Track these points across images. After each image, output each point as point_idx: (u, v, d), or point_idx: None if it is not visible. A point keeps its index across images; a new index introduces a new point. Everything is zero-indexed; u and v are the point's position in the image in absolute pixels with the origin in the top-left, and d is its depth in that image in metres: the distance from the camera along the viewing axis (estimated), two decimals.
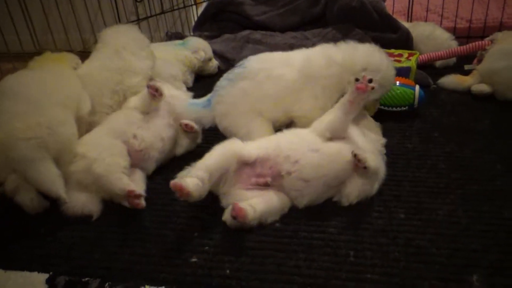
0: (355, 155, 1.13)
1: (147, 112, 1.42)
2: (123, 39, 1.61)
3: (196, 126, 1.42)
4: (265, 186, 1.18)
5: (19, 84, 1.30)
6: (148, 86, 1.38)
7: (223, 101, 1.35)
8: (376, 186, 1.20)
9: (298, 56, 1.39)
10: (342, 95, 1.27)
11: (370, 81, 1.19)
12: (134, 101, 1.46)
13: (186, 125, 1.41)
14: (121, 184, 1.20)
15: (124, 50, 1.58)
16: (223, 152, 1.17)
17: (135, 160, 1.33)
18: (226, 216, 1.12)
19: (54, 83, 1.34)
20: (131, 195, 1.18)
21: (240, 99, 1.34)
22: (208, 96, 1.42)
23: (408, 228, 1.11)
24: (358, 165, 1.13)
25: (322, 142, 1.20)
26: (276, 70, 1.36)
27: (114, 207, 1.24)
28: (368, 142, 1.26)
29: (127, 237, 1.15)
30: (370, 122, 1.38)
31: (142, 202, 1.19)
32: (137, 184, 1.25)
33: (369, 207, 1.19)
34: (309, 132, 1.24)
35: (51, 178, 1.18)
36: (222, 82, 1.39)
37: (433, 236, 1.08)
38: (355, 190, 1.17)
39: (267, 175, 1.17)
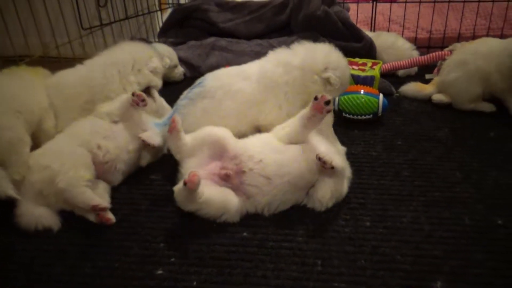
0: (319, 158, 1.14)
1: (118, 120, 1.38)
2: None
3: (154, 143, 1.35)
4: (226, 179, 1.18)
5: None
6: (134, 94, 1.35)
7: (185, 120, 1.33)
8: (346, 185, 1.22)
9: (254, 68, 1.41)
10: (309, 95, 1.30)
11: (328, 102, 1.16)
12: (109, 106, 1.40)
13: (143, 141, 1.36)
14: (84, 198, 1.16)
15: None
16: (211, 130, 1.24)
17: (100, 171, 1.29)
18: (178, 186, 1.12)
19: (14, 91, 1.32)
20: (96, 209, 1.15)
21: (201, 118, 1.34)
22: (169, 114, 1.41)
23: (373, 236, 1.12)
24: (325, 166, 1.14)
25: (284, 145, 1.22)
26: (234, 85, 1.37)
27: (75, 218, 1.20)
28: (330, 144, 1.27)
29: (89, 249, 1.11)
30: (328, 128, 1.37)
31: (111, 217, 1.17)
32: (101, 196, 1.22)
33: (336, 215, 1.19)
34: (271, 137, 1.26)
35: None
36: (182, 101, 1.40)
37: (397, 243, 1.09)
38: (327, 191, 1.18)
39: (230, 169, 1.18)
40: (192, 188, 1.08)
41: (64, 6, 2.17)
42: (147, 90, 1.60)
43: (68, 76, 1.53)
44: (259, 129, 1.39)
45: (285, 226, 1.16)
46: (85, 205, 1.16)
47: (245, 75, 1.40)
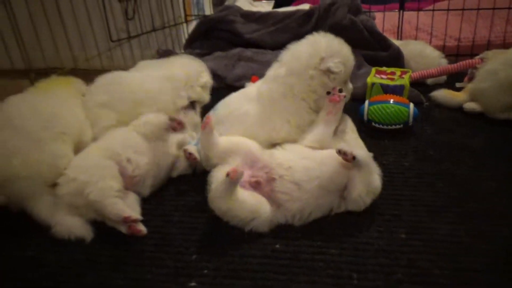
0: (339, 151, 1.13)
1: (151, 139, 1.38)
2: None
3: (198, 157, 1.36)
4: (256, 186, 1.18)
5: (18, 115, 1.27)
6: (171, 119, 1.37)
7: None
8: (377, 177, 1.20)
9: (254, 90, 1.41)
10: (316, 94, 1.30)
11: (341, 90, 1.23)
12: (144, 127, 1.39)
13: (190, 154, 1.37)
14: (116, 209, 1.16)
15: None
16: (244, 140, 1.27)
17: (128, 184, 1.29)
18: (215, 183, 1.13)
19: (54, 112, 1.33)
20: (127, 221, 1.15)
21: None
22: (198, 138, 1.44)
23: (409, 249, 1.09)
24: (347, 159, 1.13)
25: (312, 150, 1.24)
26: (240, 109, 1.38)
27: (106, 229, 1.20)
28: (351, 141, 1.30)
29: (121, 260, 1.11)
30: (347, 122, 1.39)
31: (143, 229, 1.16)
32: (132, 208, 1.21)
33: (369, 226, 1.17)
34: (299, 145, 1.27)
35: (46, 213, 1.20)
36: None
37: (434, 256, 1.06)
38: (362, 187, 1.15)
39: (260, 177, 1.19)
40: (234, 178, 1.08)
41: (94, 20, 2.22)
42: (192, 103, 1.62)
43: (127, 78, 1.54)
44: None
45: (317, 238, 1.14)
46: (116, 216, 1.16)
47: (248, 97, 1.41)
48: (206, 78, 1.66)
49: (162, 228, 1.21)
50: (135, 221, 1.15)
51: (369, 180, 1.17)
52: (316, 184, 1.15)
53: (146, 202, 1.32)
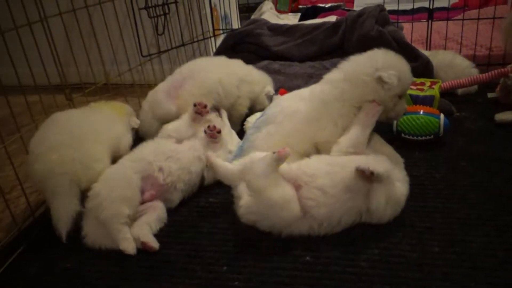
0: (356, 169, 1.13)
1: (182, 138, 1.44)
2: None
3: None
4: None
5: (67, 118, 1.40)
6: (196, 104, 1.41)
7: (253, 146, 1.40)
8: (402, 189, 1.21)
9: (308, 90, 1.46)
10: (366, 99, 1.33)
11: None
12: (172, 125, 1.48)
13: (214, 127, 1.44)
14: (117, 236, 1.19)
15: None
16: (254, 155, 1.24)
17: (159, 192, 1.32)
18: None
19: (99, 124, 1.45)
20: (145, 246, 1.19)
21: (266, 140, 1.40)
22: (240, 143, 1.50)
23: (443, 262, 1.07)
24: (366, 176, 1.13)
25: (336, 157, 1.27)
26: (291, 107, 1.43)
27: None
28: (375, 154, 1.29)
29: (153, 271, 1.13)
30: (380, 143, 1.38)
31: (155, 246, 1.19)
32: (156, 222, 1.26)
33: (402, 239, 1.16)
34: (325, 155, 1.30)
35: (61, 216, 1.23)
36: (250, 130, 1.48)
37: (469, 270, 1.04)
38: (380, 198, 1.15)
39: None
40: (281, 155, 1.12)
41: (125, 36, 2.30)
42: (218, 111, 1.69)
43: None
44: (317, 146, 1.40)
45: (348, 250, 1.14)
46: (116, 241, 1.18)
47: (301, 96, 1.45)
48: (269, 90, 1.88)
49: (193, 240, 1.23)
50: (152, 249, 1.18)
51: (390, 193, 1.17)
52: (341, 188, 1.16)
53: (176, 213, 1.34)
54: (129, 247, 1.17)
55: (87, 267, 1.17)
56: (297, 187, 1.18)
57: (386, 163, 1.23)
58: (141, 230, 1.20)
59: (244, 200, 1.20)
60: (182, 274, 1.11)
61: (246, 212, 1.21)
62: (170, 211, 1.33)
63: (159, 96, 1.71)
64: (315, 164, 1.23)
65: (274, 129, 1.40)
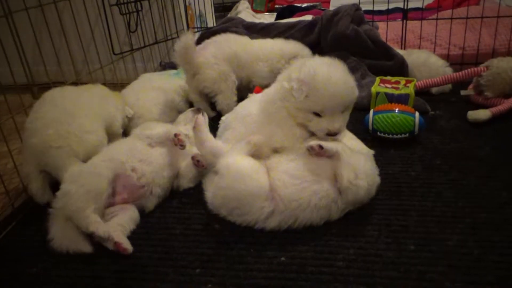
0: (307, 149, 1.20)
1: (155, 143, 1.40)
2: None
3: (206, 163, 1.38)
4: None
5: (60, 95, 1.46)
6: (176, 136, 1.36)
7: None
8: (364, 160, 1.23)
9: (264, 91, 1.43)
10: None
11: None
12: (151, 131, 1.42)
13: (198, 161, 1.39)
14: (86, 221, 1.15)
15: None
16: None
17: (135, 195, 1.29)
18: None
19: (91, 100, 1.51)
20: (119, 248, 1.15)
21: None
22: None
23: (419, 261, 1.06)
24: (316, 153, 1.19)
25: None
26: (243, 111, 1.44)
27: None
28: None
29: (125, 275, 1.09)
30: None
31: (129, 248, 1.15)
32: (127, 225, 1.23)
33: (377, 238, 1.15)
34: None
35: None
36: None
37: (445, 269, 1.04)
38: (345, 172, 1.17)
39: None
40: (252, 140, 1.26)
41: (96, 33, 2.23)
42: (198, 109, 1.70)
43: None
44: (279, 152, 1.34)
45: (323, 250, 1.12)
46: (86, 226, 1.15)
47: (255, 98, 1.45)
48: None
49: (165, 242, 1.20)
50: (125, 251, 1.15)
51: (354, 165, 1.18)
52: (304, 170, 1.20)
53: (148, 215, 1.31)
54: (100, 229, 1.14)
55: (55, 272, 1.12)
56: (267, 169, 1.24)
57: (340, 144, 1.24)
58: (114, 231, 1.16)
59: (214, 182, 1.25)
60: (154, 277, 1.08)
61: (215, 192, 1.24)
62: (142, 213, 1.31)
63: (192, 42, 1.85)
64: (279, 156, 1.28)
65: (230, 135, 1.40)
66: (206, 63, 1.86)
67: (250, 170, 1.20)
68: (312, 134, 1.26)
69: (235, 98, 1.90)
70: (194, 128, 1.37)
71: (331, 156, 1.19)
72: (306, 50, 2.08)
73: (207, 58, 1.87)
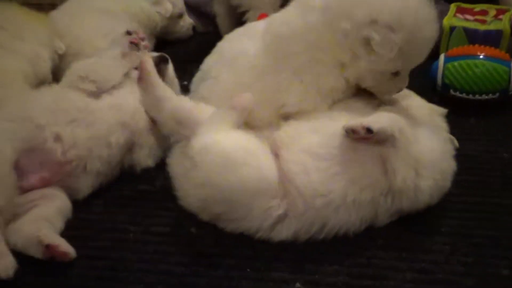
0: (346, 132, 1.14)
1: (102, 88, 1.39)
2: None
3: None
4: None
5: None
6: (130, 32, 1.46)
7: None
8: (429, 145, 1.19)
9: (266, 20, 1.40)
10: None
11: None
12: (88, 63, 1.45)
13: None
14: None
15: None
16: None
17: (55, 175, 1.27)
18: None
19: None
20: (53, 251, 1.11)
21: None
22: None
23: None
24: (361, 137, 1.12)
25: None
26: (234, 49, 1.40)
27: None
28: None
29: None
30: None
31: (70, 251, 1.12)
32: (52, 222, 1.18)
33: (449, 256, 1.12)
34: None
35: None
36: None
37: None
38: (400, 167, 1.14)
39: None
40: (238, 102, 1.22)
41: None
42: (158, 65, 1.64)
43: None
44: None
45: (364, 273, 1.09)
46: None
47: (252, 32, 1.39)
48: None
49: (111, 251, 1.18)
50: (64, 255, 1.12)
51: (416, 155, 1.15)
52: (337, 145, 1.16)
53: (85, 208, 1.30)
54: (60, 241, 1.12)
55: None
56: (275, 155, 1.20)
57: (394, 118, 1.20)
58: (40, 229, 1.14)
59: (186, 173, 1.22)
60: None
61: (190, 191, 1.20)
62: (75, 204, 1.28)
63: None
64: (296, 124, 1.25)
65: (211, 87, 1.35)
66: None
67: (242, 152, 1.16)
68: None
69: None
70: (140, 77, 1.34)
71: (382, 141, 1.14)
72: None
73: None
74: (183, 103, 1.32)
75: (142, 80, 1.33)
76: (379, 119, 1.14)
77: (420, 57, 1.24)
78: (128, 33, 1.48)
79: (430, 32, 1.20)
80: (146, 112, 1.38)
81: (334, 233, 1.15)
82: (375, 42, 1.15)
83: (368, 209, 1.15)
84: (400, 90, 1.28)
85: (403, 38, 1.15)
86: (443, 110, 1.35)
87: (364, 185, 1.14)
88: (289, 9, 1.32)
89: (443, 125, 1.32)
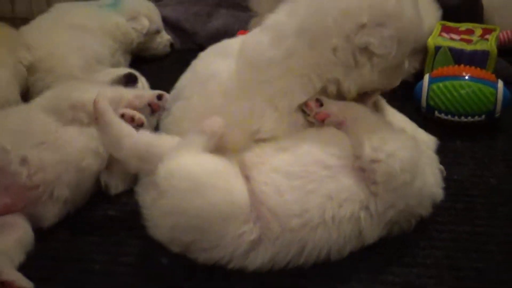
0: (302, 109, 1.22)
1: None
2: None
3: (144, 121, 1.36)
4: None
5: None
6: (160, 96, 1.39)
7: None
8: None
9: (237, 41, 1.37)
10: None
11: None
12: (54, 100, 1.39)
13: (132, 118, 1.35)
14: None
15: None
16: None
17: (20, 201, 1.23)
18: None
19: None
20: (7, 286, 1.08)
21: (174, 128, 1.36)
22: None
23: None
24: (316, 112, 1.19)
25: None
26: (207, 69, 1.35)
27: None
28: None
29: None
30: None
31: (27, 286, 1.07)
32: (12, 254, 1.14)
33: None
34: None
35: None
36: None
37: None
38: (359, 131, 1.17)
39: None
40: (208, 126, 1.17)
41: None
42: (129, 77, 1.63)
43: None
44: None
45: None
46: None
47: (228, 51, 1.34)
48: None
49: (75, 283, 1.14)
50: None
51: (379, 130, 1.17)
52: (310, 161, 1.15)
53: (50, 235, 1.27)
54: (17, 276, 1.08)
55: None
56: (245, 177, 1.16)
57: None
58: None
59: (153, 201, 1.17)
60: None
61: (158, 220, 1.15)
62: (38, 232, 1.24)
63: None
64: (263, 143, 1.23)
65: (183, 108, 1.32)
66: None
67: (210, 175, 1.12)
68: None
69: None
70: (95, 117, 1.27)
71: (341, 122, 1.19)
72: None
73: None
74: (143, 137, 1.25)
75: (96, 120, 1.26)
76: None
77: (419, 33, 1.26)
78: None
79: (415, 8, 1.20)
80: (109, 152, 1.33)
81: (315, 257, 1.11)
82: (374, 45, 1.14)
83: (350, 225, 1.11)
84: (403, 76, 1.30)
85: (396, 27, 1.14)
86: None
87: (341, 199, 1.10)
88: (259, 35, 1.28)
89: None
